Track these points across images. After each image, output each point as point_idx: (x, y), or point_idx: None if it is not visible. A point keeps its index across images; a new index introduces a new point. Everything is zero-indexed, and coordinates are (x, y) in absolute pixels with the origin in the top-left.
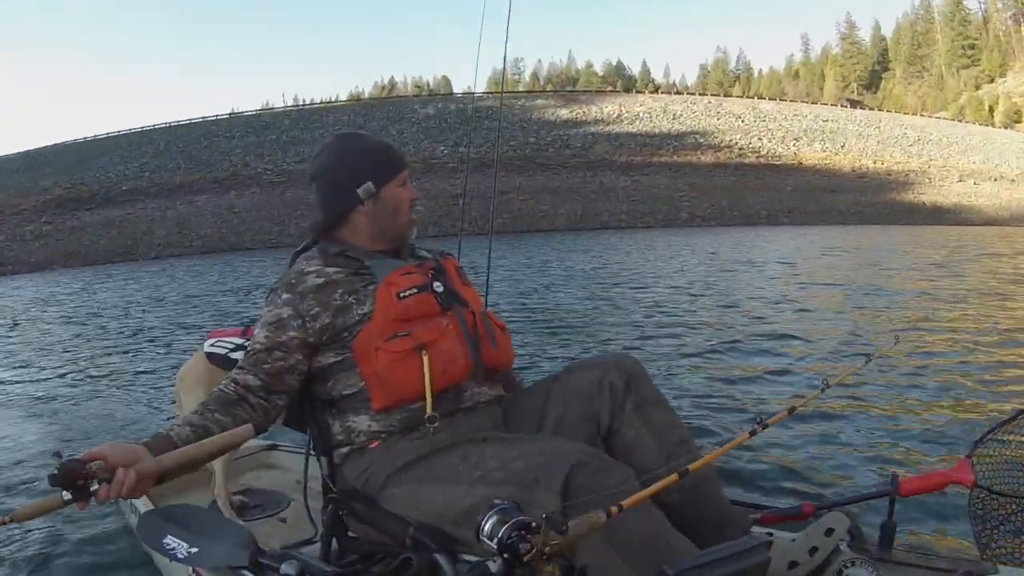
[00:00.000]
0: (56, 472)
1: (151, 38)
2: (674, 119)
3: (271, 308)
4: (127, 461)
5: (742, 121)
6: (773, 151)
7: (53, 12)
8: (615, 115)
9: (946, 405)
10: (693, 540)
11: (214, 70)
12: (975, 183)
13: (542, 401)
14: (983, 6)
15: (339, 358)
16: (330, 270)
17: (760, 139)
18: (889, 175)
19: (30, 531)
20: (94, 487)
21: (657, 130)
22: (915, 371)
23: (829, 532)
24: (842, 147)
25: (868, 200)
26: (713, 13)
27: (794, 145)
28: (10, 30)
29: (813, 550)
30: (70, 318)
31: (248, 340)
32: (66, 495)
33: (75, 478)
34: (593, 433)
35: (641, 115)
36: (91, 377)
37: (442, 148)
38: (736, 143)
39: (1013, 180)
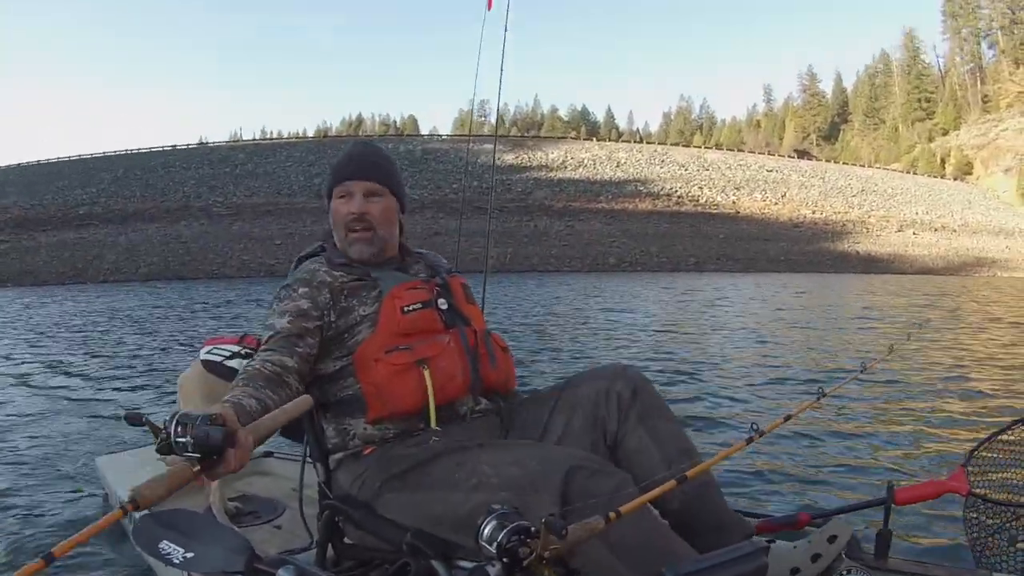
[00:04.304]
0: (197, 435)
1: (128, 60)
2: (617, 166)
3: (288, 300)
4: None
5: (685, 170)
6: (712, 200)
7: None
8: (559, 161)
9: (942, 415)
10: (693, 545)
11: (190, 95)
12: (914, 233)
13: (547, 409)
14: (941, 60)
15: (338, 366)
16: (337, 273)
17: (701, 188)
18: (826, 225)
19: (17, 539)
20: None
21: (599, 177)
22: (910, 382)
23: (832, 539)
24: (783, 196)
25: (800, 249)
26: (680, 62)
27: (734, 194)
28: None
29: (816, 557)
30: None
31: (243, 347)
32: (195, 464)
33: (213, 443)
34: (598, 442)
35: (585, 161)
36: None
37: None
38: (676, 191)
39: (955, 230)
